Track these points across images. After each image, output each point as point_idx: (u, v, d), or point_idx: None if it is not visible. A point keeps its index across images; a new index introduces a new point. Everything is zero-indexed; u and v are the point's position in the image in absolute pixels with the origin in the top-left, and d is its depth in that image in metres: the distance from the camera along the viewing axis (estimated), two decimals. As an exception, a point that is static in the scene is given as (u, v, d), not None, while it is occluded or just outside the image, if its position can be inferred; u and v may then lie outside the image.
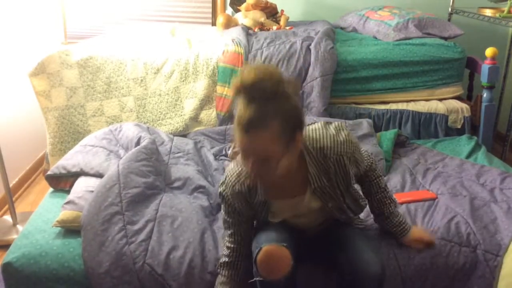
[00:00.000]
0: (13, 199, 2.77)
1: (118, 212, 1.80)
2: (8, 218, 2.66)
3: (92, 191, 1.94)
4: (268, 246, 1.49)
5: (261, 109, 1.29)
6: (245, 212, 1.61)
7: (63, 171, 2.15)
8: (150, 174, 2.03)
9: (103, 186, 1.89)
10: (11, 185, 2.74)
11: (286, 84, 1.33)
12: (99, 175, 2.08)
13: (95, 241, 1.71)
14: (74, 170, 2.14)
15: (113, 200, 1.83)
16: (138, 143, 2.25)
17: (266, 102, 1.30)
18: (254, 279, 1.53)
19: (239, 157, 1.44)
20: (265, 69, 1.32)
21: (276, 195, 1.57)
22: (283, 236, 1.56)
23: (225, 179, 1.59)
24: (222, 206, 1.65)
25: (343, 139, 1.52)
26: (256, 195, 1.56)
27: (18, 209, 2.76)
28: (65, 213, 1.83)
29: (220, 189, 1.61)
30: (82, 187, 2.02)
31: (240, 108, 1.32)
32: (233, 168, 1.58)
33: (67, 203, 1.91)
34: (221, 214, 1.70)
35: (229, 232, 1.66)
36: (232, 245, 1.65)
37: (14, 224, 2.61)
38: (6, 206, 2.72)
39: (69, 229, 1.81)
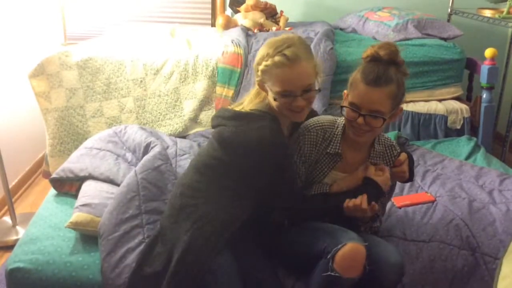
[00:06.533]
0: (13, 200, 2.77)
1: (138, 225, 1.78)
2: (7, 219, 2.66)
3: (108, 197, 1.92)
4: (354, 244, 1.46)
5: (386, 70, 1.55)
6: (309, 157, 1.68)
7: (70, 175, 2.10)
8: (168, 182, 1.99)
9: (124, 196, 1.85)
10: (10, 186, 2.74)
11: (400, 59, 1.58)
12: (110, 181, 2.05)
13: (116, 253, 1.69)
14: (82, 174, 2.09)
15: (133, 213, 1.80)
16: (146, 148, 2.21)
17: (389, 66, 1.56)
18: (327, 273, 1.47)
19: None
20: (389, 42, 1.63)
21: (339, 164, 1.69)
22: (354, 234, 1.54)
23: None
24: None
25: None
26: (329, 145, 1.68)
27: (18, 210, 2.76)
28: (80, 215, 1.81)
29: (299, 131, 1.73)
30: (95, 190, 1.98)
31: (367, 68, 1.56)
32: (314, 118, 1.74)
33: (83, 205, 1.87)
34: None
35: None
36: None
37: (14, 225, 2.61)
38: (6, 207, 2.72)
39: (78, 238, 1.80)
